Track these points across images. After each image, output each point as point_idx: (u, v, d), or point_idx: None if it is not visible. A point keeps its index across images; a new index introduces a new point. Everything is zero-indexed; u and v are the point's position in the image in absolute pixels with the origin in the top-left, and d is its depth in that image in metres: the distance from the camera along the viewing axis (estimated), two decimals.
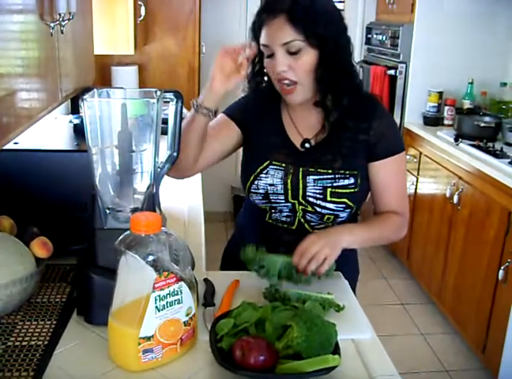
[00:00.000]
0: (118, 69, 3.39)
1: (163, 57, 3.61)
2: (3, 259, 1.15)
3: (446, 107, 3.58)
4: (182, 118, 1.30)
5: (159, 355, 1.05)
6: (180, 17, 3.56)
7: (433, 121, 3.61)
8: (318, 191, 1.43)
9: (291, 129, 1.49)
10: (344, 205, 1.43)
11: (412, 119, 3.70)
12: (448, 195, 3.11)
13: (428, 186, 3.49)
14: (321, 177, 1.42)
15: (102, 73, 3.38)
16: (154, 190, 1.22)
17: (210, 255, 1.92)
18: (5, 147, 1.41)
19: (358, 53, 4.42)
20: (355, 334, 1.21)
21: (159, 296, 1.02)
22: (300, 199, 1.44)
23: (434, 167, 3.36)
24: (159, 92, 1.20)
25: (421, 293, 3.54)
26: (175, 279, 1.04)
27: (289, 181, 1.44)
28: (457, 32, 3.54)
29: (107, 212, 1.17)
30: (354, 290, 1.60)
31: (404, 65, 3.64)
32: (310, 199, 1.43)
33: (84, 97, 1.11)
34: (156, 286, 1.01)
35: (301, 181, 1.43)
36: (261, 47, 1.37)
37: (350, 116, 1.41)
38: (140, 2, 2.83)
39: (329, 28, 1.33)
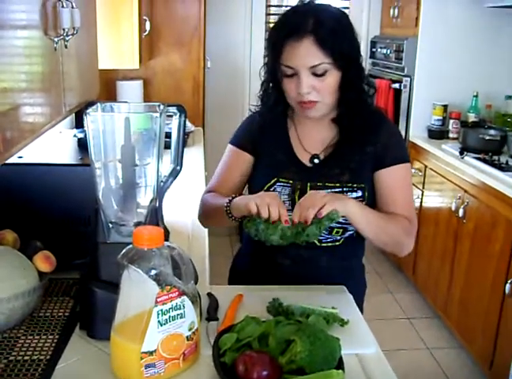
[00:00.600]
0: (123, 83, 3.41)
1: (168, 71, 3.63)
2: (6, 273, 1.15)
3: (451, 120, 3.57)
4: (185, 132, 1.30)
5: (161, 370, 1.04)
6: (185, 32, 3.59)
7: (438, 134, 3.60)
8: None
9: (297, 146, 1.49)
10: None
11: (416, 132, 3.70)
12: (453, 208, 3.09)
13: (434, 200, 3.48)
14: (330, 191, 1.41)
15: (107, 88, 3.40)
16: (157, 204, 1.22)
17: (215, 269, 1.91)
18: (10, 161, 1.42)
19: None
20: (360, 349, 1.20)
21: (161, 310, 1.01)
22: None
23: (439, 181, 3.35)
24: (162, 106, 1.20)
25: (427, 307, 3.51)
26: (177, 293, 1.04)
27: (296, 197, 1.43)
28: (462, 46, 3.54)
29: (110, 226, 1.17)
30: (361, 304, 1.60)
31: (408, 79, 3.65)
32: None
33: (88, 111, 1.11)
34: (159, 300, 1.01)
35: None
36: (282, 67, 1.35)
37: (358, 130, 1.42)
38: (145, 17, 2.85)
39: (352, 47, 1.35)
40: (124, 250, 1.03)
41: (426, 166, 3.52)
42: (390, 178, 1.43)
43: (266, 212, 1.23)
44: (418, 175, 3.59)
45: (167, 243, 1.06)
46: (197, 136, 3.49)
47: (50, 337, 1.18)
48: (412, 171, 1.53)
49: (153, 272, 1.02)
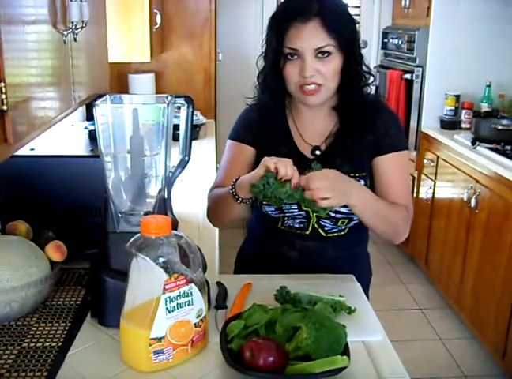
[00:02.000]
0: (135, 76, 3.44)
1: (180, 64, 3.65)
2: (18, 262, 1.17)
3: (464, 111, 3.56)
4: (193, 123, 1.32)
5: (170, 356, 1.06)
6: (196, 25, 3.60)
7: (450, 124, 3.59)
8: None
9: (298, 138, 1.49)
10: None
11: (429, 123, 3.68)
12: (465, 199, 3.08)
13: (446, 190, 3.47)
14: None
15: (119, 81, 3.43)
16: (165, 194, 1.23)
17: (226, 260, 1.93)
18: (22, 153, 1.45)
19: (374, 57, 4.42)
20: (366, 336, 1.21)
21: (169, 298, 1.03)
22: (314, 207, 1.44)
23: (451, 171, 3.34)
24: (169, 97, 1.22)
25: (439, 298, 3.51)
26: (185, 280, 1.06)
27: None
28: (474, 35, 3.52)
29: (120, 215, 1.19)
30: (367, 292, 1.61)
31: (420, 69, 3.63)
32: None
33: (96, 103, 1.13)
34: (167, 287, 1.03)
35: None
36: (286, 50, 1.35)
37: (357, 118, 1.43)
38: (156, 10, 2.87)
39: (353, 32, 1.39)
40: (132, 239, 1.05)
41: (438, 157, 3.50)
42: (387, 165, 1.44)
43: (284, 169, 1.23)
44: (430, 166, 3.58)
45: (174, 232, 1.08)
46: (209, 128, 3.51)
47: (62, 325, 1.21)
48: (410, 161, 1.52)
49: (161, 260, 1.04)
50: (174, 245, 1.06)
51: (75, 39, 1.25)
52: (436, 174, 3.54)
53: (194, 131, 3.24)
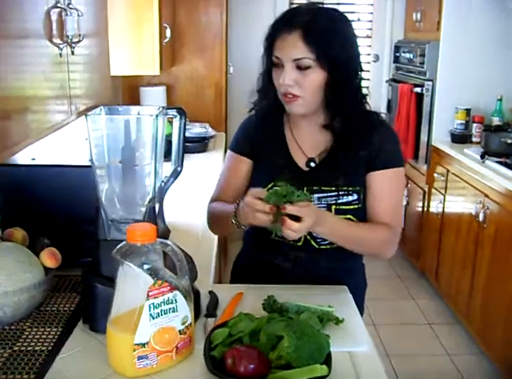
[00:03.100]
0: (146, 89, 3.50)
1: (191, 78, 3.70)
2: (12, 267, 1.21)
3: (474, 124, 3.54)
4: (185, 134, 1.34)
5: (154, 362, 1.08)
6: (207, 38, 3.65)
7: (461, 138, 3.57)
8: (322, 208, 1.44)
9: (294, 149, 1.51)
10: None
11: (439, 137, 3.67)
12: (474, 213, 3.06)
13: (455, 205, 3.45)
14: (326, 194, 1.44)
15: (131, 93, 3.49)
16: (156, 204, 1.26)
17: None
18: (23, 162, 1.49)
19: (386, 71, 4.43)
20: (352, 346, 1.21)
21: (153, 304, 1.06)
22: None
23: (461, 185, 3.32)
24: (160, 108, 1.25)
25: (449, 313, 3.47)
26: (169, 287, 1.08)
27: None
28: (484, 48, 3.51)
29: (110, 223, 1.22)
30: (362, 304, 1.61)
31: (430, 83, 3.63)
32: None
33: (88, 114, 1.17)
34: (150, 294, 1.05)
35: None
36: (273, 57, 1.40)
37: (351, 135, 1.44)
38: (165, 25, 2.92)
39: (341, 52, 1.37)
40: (118, 246, 1.07)
41: (448, 171, 3.49)
42: (379, 181, 1.45)
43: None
44: (440, 180, 3.57)
45: (160, 240, 1.10)
46: (218, 140, 3.54)
47: (54, 330, 1.24)
48: (404, 177, 1.52)
49: (145, 267, 1.06)
50: (159, 253, 1.09)
51: (72, 53, 1.30)
52: (446, 188, 3.53)
53: (203, 143, 3.29)
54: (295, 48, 1.35)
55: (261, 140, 1.54)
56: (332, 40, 1.35)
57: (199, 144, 3.27)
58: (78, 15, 1.27)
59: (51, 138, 1.62)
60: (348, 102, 1.42)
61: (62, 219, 1.47)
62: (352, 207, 1.45)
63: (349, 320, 1.31)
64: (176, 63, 3.63)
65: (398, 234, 1.48)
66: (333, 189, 1.44)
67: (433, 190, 3.72)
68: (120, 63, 2.55)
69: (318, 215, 1.31)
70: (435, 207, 3.65)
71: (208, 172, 2.87)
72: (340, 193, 1.44)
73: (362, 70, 1.46)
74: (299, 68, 1.36)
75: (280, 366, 1.06)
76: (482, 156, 3.11)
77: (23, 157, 1.53)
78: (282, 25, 1.38)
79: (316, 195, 1.45)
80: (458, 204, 3.40)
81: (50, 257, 1.29)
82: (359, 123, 1.44)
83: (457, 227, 3.37)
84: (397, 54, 4.21)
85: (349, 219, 1.45)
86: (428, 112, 3.69)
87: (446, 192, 3.54)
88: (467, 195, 3.23)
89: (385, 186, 1.46)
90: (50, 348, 1.17)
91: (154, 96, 3.47)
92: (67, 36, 1.22)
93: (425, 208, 3.85)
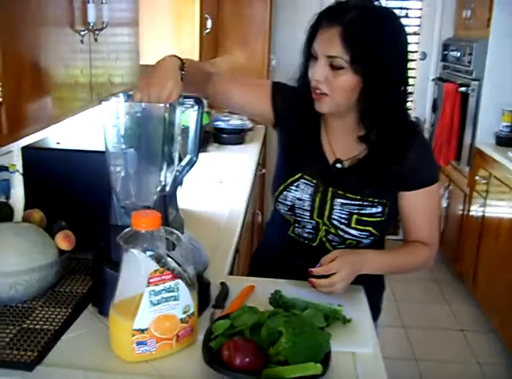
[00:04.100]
0: None
1: (233, 70, 3.70)
2: (25, 247, 1.24)
3: None
4: (202, 124, 1.34)
5: (153, 349, 1.09)
6: (251, 31, 3.65)
7: (506, 141, 3.45)
8: (343, 216, 1.41)
9: (326, 145, 1.47)
10: (367, 233, 1.42)
11: (483, 139, 3.56)
12: None
13: (496, 210, 3.33)
14: (349, 202, 1.40)
15: None
16: (169, 192, 1.27)
17: None
18: (47, 146, 1.52)
19: (434, 70, 4.32)
20: (356, 347, 1.19)
21: (153, 291, 1.06)
22: (325, 220, 1.43)
23: (503, 190, 3.21)
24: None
25: (483, 320, 3.37)
26: (171, 275, 1.08)
27: (318, 199, 1.43)
28: None
29: (122, 210, 1.24)
30: (378, 304, 1.58)
31: (477, 83, 3.52)
32: (335, 222, 1.42)
33: (102, 99, 1.18)
34: (151, 280, 1.06)
35: (329, 202, 1.42)
36: (312, 49, 1.34)
37: (387, 149, 1.38)
38: (207, 15, 2.93)
39: (381, 59, 1.27)
40: (123, 232, 1.09)
41: (491, 175, 3.38)
42: (415, 201, 1.41)
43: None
44: (482, 183, 3.46)
45: (166, 228, 1.11)
46: (256, 133, 3.54)
47: (63, 310, 1.27)
48: (439, 190, 1.47)
49: (148, 254, 1.07)
50: (163, 240, 1.09)
51: (96, 40, 1.32)
52: (488, 191, 3.42)
53: (240, 135, 3.29)
54: (331, 45, 1.28)
55: (297, 121, 1.48)
56: (373, 45, 1.26)
57: (236, 136, 3.28)
58: (102, 2, 1.28)
59: (76, 123, 1.65)
60: (384, 115, 1.34)
61: (81, 203, 1.50)
62: (374, 219, 1.40)
63: (358, 320, 1.28)
64: (218, 54, 3.64)
65: (436, 248, 1.46)
66: (358, 197, 1.40)
67: (474, 193, 3.61)
68: (158, 52, 2.57)
69: (354, 261, 1.33)
70: (476, 210, 3.55)
71: (242, 164, 2.88)
72: (365, 203, 1.39)
73: (407, 84, 1.37)
74: (332, 66, 1.30)
75: (278, 362, 1.05)
76: None
77: (48, 141, 1.57)
78: (325, 18, 1.31)
79: (339, 200, 1.41)
80: (500, 209, 3.29)
81: (64, 240, 1.32)
82: (396, 137, 1.37)
83: (498, 233, 3.26)
84: (445, 53, 4.09)
85: (369, 231, 1.41)
86: (473, 113, 3.58)
87: (487, 196, 3.43)
88: (510, 200, 3.12)
89: (421, 205, 1.42)
90: (57, 328, 1.19)
91: None
92: (89, 23, 1.24)
93: (465, 211, 3.74)
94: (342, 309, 1.28)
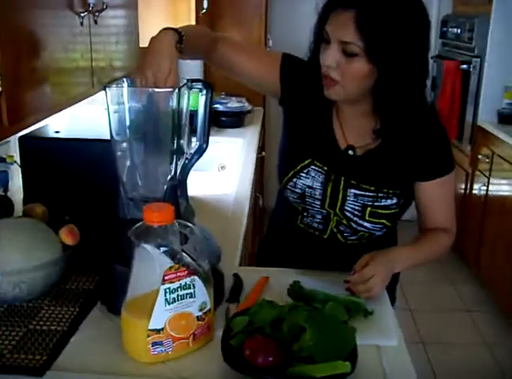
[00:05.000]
0: (182, 62, 3.41)
1: None
2: (28, 244, 1.17)
3: None
4: (211, 110, 1.27)
5: (169, 349, 1.03)
6: (246, 11, 3.55)
7: (509, 119, 3.40)
8: (357, 207, 1.34)
9: (337, 129, 1.37)
10: (381, 226, 1.36)
11: (485, 117, 3.50)
12: None
13: (500, 188, 3.29)
14: (363, 193, 1.33)
15: None
16: (177, 181, 1.20)
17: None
18: (46, 135, 1.45)
19: (432, 47, 4.22)
20: (381, 340, 1.14)
21: (169, 289, 1.00)
22: (337, 210, 1.36)
23: (507, 168, 3.17)
24: (186, 81, 1.18)
25: (489, 301, 3.34)
26: (186, 272, 1.02)
27: (329, 188, 1.35)
28: None
29: (130, 202, 1.17)
30: (393, 292, 1.53)
31: (478, 60, 3.45)
32: (348, 213, 1.35)
33: (108, 85, 1.11)
34: (166, 278, 1.00)
35: (341, 192, 1.34)
36: (324, 32, 1.23)
37: (404, 132, 1.29)
38: None
39: (399, 48, 1.17)
40: (134, 227, 1.02)
41: (494, 153, 3.33)
42: (434, 190, 1.35)
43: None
44: (485, 162, 3.41)
45: (179, 221, 1.05)
46: (256, 116, 3.47)
47: (71, 309, 1.20)
48: (454, 176, 1.41)
49: (162, 250, 1.01)
50: (177, 235, 1.03)
51: (96, 22, 1.24)
52: (491, 170, 3.37)
53: (239, 118, 3.22)
54: (344, 29, 1.16)
55: (307, 99, 1.37)
56: (390, 32, 1.15)
57: (235, 119, 3.20)
58: None
59: (76, 111, 1.58)
60: (401, 107, 1.24)
61: (85, 195, 1.43)
62: (388, 211, 1.33)
63: (379, 311, 1.23)
64: None
65: (455, 233, 1.42)
66: (372, 188, 1.32)
67: (477, 172, 3.57)
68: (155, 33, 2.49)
69: (387, 261, 1.27)
70: (478, 189, 3.51)
71: (243, 148, 2.81)
72: (380, 194, 1.32)
73: (427, 73, 1.26)
74: (345, 52, 1.19)
75: (302, 358, 1.00)
76: None
77: (47, 130, 1.50)
78: (338, 1, 1.19)
79: (353, 190, 1.33)
80: (504, 187, 3.25)
81: (68, 235, 1.26)
82: (413, 127, 1.28)
83: (502, 211, 3.23)
84: (444, 29, 4.01)
85: (383, 223, 1.35)
86: (475, 91, 3.52)
87: (490, 174, 3.38)
88: None
89: (440, 194, 1.37)
90: (65, 328, 1.13)
91: (191, 69, 3.39)
92: (89, 4, 1.16)
93: (467, 191, 3.70)
94: (363, 301, 1.22)
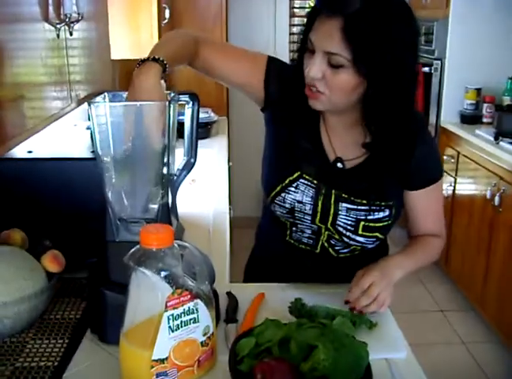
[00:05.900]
0: None
1: None
2: (11, 275, 1.09)
3: (485, 105, 3.43)
4: (198, 122, 1.22)
5: None
6: (207, 19, 3.50)
7: (471, 119, 3.46)
8: (349, 222, 1.28)
9: (325, 140, 1.31)
10: (374, 239, 1.32)
11: (448, 118, 3.55)
12: (488, 196, 2.96)
13: (467, 187, 3.34)
14: (355, 207, 1.28)
15: (128, 79, 3.34)
16: (169, 199, 1.14)
17: (238, 263, 1.83)
18: (19, 156, 1.36)
19: None
20: (389, 353, 1.11)
21: (172, 315, 0.94)
22: (329, 225, 1.30)
23: (473, 167, 3.21)
24: (172, 94, 1.12)
25: (461, 299, 3.38)
26: (189, 296, 0.96)
27: (320, 203, 1.29)
28: (495, 26, 3.38)
29: (119, 223, 1.10)
30: None
31: (439, 62, 3.50)
32: (340, 228, 1.30)
33: (92, 101, 1.04)
34: (169, 304, 0.94)
35: (333, 206, 1.28)
36: (308, 40, 1.16)
37: (394, 144, 1.24)
38: (164, 5, 2.77)
39: (388, 59, 1.10)
40: (131, 251, 0.95)
41: (459, 153, 3.38)
42: (424, 198, 1.33)
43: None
44: (450, 162, 3.45)
45: (178, 242, 0.98)
46: (221, 126, 3.42)
47: (59, 341, 1.12)
48: (443, 183, 1.40)
49: (163, 274, 0.94)
50: (177, 258, 0.97)
51: (71, 33, 1.17)
52: (457, 170, 3.42)
53: (206, 129, 3.16)
54: (330, 39, 1.10)
55: (294, 107, 1.29)
56: (379, 42, 1.08)
57: (202, 130, 3.14)
58: None
59: (49, 128, 1.49)
60: (391, 118, 1.19)
61: (65, 217, 1.35)
62: (381, 224, 1.29)
63: (382, 323, 1.20)
64: None
65: (445, 239, 1.42)
66: (364, 202, 1.27)
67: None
68: (119, 47, 2.41)
69: (381, 267, 1.24)
70: (445, 189, 3.54)
71: (212, 159, 2.75)
72: (372, 207, 1.27)
73: (416, 83, 1.20)
74: (330, 62, 1.12)
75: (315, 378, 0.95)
76: (496, 137, 3.00)
77: (19, 150, 1.40)
78: (326, 6, 1.11)
79: (344, 205, 1.28)
80: (470, 186, 3.30)
81: (52, 261, 1.17)
82: (402, 137, 1.23)
83: (469, 211, 3.27)
84: None
85: (376, 236, 1.31)
86: (437, 92, 3.57)
87: (456, 174, 3.43)
88: (480, 177, 3.13)
89: (430, 201, 1.35)
90: (56, 364, 1.05)
91: None
92: (65, 15, 1.09)
93: None
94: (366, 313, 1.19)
